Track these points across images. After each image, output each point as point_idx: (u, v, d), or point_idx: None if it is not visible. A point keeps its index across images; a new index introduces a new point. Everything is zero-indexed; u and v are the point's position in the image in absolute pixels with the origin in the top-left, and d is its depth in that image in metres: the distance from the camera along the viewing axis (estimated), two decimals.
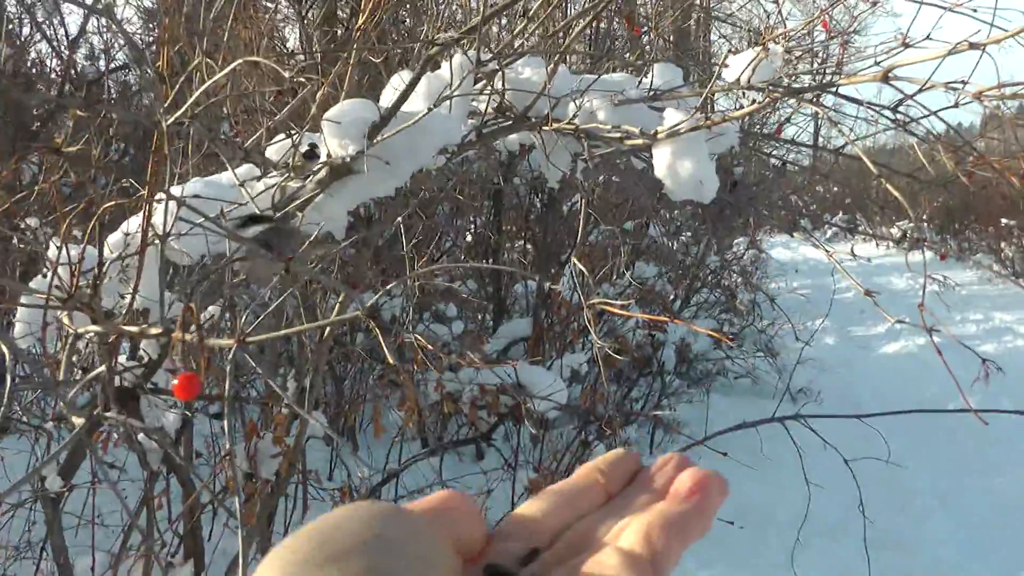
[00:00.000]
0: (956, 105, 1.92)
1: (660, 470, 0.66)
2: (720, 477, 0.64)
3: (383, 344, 1.24)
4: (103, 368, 1.75)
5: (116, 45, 6.60)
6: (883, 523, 4.51)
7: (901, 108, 2.09)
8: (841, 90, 2.12)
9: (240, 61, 1.66)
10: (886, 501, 5.14)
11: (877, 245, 20.06)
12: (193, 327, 1.28)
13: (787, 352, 9.24)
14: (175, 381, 1.37)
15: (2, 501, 1.27)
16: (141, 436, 2.68)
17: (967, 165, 1.98)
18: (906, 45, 1.93)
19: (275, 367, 4.52)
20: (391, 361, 1.32)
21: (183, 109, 1.58)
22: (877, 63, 2.04)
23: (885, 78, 1.89)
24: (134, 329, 1.50)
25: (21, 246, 2.91)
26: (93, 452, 1.77)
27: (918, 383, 9.24)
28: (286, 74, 1.79)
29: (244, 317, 1.63)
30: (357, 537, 0.52)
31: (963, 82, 1.80)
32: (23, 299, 2.06)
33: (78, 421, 1.42)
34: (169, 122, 1.52)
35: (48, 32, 6.28)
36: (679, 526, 0.59)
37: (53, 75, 6.18)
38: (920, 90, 1.87)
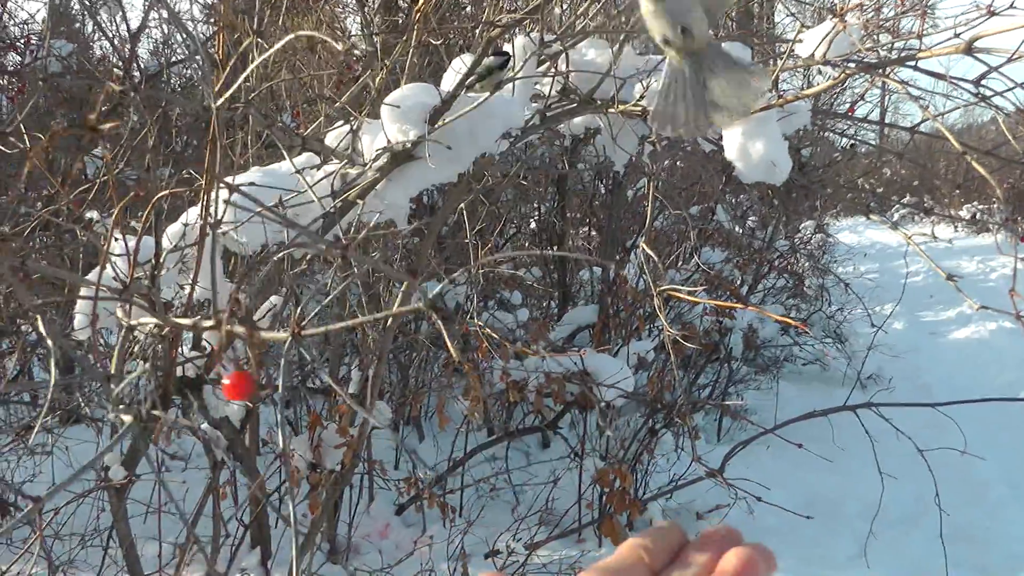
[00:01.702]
0: None
1: (706, 545, 0.61)
2: (767, 552, 0.59)
3: (445, 336, 1.18)
4: (147, 367, 1.72)
5: (177, 38, 6.62)
6: (956, 515, 4.40)
7: (983, 81, 2.00)
8: (920, 64, 2.03)
9: (293, 35, 1.61)
10: (958, 492, 5.01)
11: (956, 227, 19.74)
12: (243, 318, 1.23)
13: (856, 338, 9.10)
14: (226, 381, 1.33)
15: (52, 497, 1.24)
16: (205, 425, 2.66)
17: None
18: (992, 13, 1.84)
19: (339, 356, 4.51)
20: (454, 356, 1.27)
21: (234, 87, 1.54)
22: (957, 35, 1.95)
23: (968, 50, 1.81)
24: (187, 322, 1.46)
25: (84, 238, 2.90)
26: (145, 454, 1.75)
27: (989, 369, 9.06)
28: (339, 45, 1.74)
29: (302, 307, 1.59)
30: None
31: None
32: (83, 291, 2.04)
33: (126, 418, 1.39)
34: (219, 103, 1.48)
35: (109, 28, 6.32)
36: None
37: (115, 69, 6.21)
38: (1008, 61, 1.78)
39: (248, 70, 1.63)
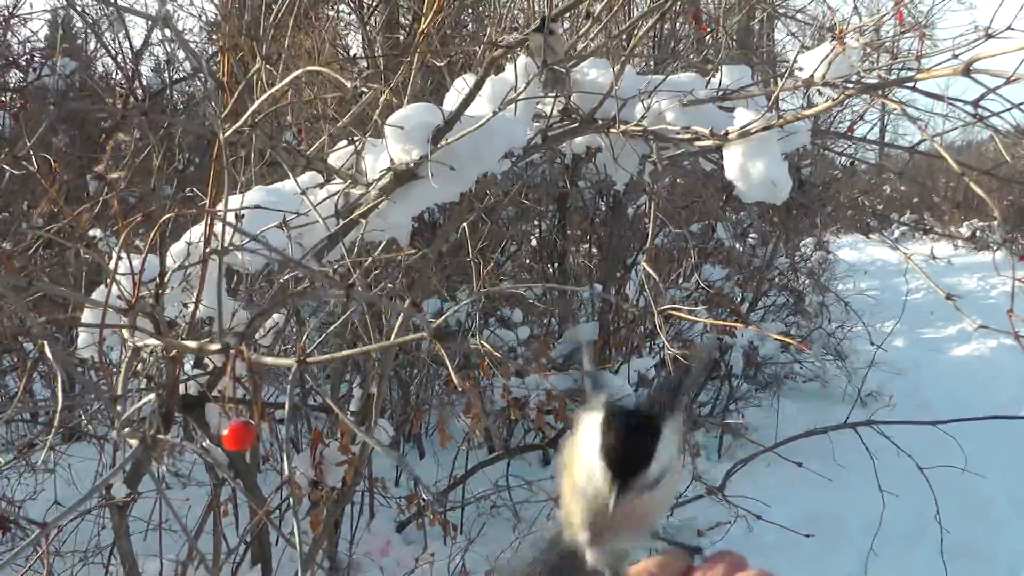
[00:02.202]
0: None
1: (710, 571, 0.62)
2: None
3: (447, 363, 1.20)
4: (151, 397, 1.73)
5: (179, 56, 6.66)
6: (958, 531, 4.40)
7: (981, 102, 2.02)
8: (919, 84, 2.05)
9: (301, 71, 1.63)
10: (960, 509, 5.01)
11: (955, 246, 19.74)
12: (246, 344, 1.25)
13: (856, 355, 9.10)
14: (225, 431, 1.33)
15: (59, 523, 1.25)
16: (207, 443, 2.67)
17: None
18: (989, 36, 1.85)
19: (340, 373, 4.51)
20: (456, 382, 1.28)
21: (243, 120, 1.55)
22: (955, 56, 1.96)
23: (966, 71, 1.82)
24: (192, 345, 1.47)
25: (86, 257, 2.91)
26: (150, 473, 1.75)
27: (990, 386, 9.05)
28: (348, 84, 1.76)
29: (308, 332, 1.60)
30: None
31: None
32: (87, 310, 2.05)
33: (133, 441, 1.40)
34: (227, 133, 1.49)
35: (112, 46, 6.34)
36: None
37: (118, 88, 6.24)
38: (1006, 82, 1.80)
39: (257, 103, 1.65)
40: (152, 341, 1.69)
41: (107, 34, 6.53)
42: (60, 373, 1.41)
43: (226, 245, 1.66)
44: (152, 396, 1.78)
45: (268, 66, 2.26)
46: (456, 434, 5.17)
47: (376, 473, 4.79)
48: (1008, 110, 1.99)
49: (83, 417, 4.02)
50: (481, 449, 5.73)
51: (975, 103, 2.00)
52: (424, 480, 5.07)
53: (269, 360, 1.25)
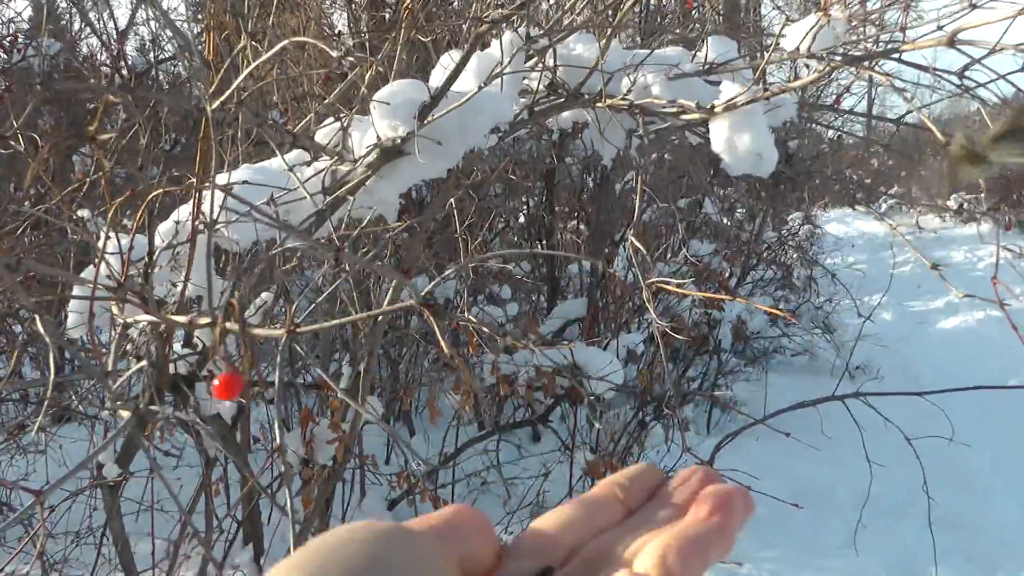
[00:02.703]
0: None
1: (682, 484, 0.61)
2: (745, 494, 0.58)
3: (437, 332, 1.20)
4: (144, 364, 1.74)
5: (164, 36, 6.62)
6: (946, 503, 4.42)
7: (966, 73, 2.02)
8: (904, 56, 2.05)
9: (287, 42, 1.62)
10: (948, 480, 5.05)
11: (942, 218, 19.80)
12: (237, 318, 1.25)
13: (844, 329, 9.13)
14: (216, 381, 1.34)
15: (55, 489, 1.26)
16: (198, 422, 2.67)
17: None
18: (973, 6, 1.86)
19: (330, 352, 4.52)
20: (446, 351, 1.28)
21: (228, 92, 1.55)
22: (940, 27, 1.97)
23: (951, 42, 1.83)
24: (183, 319, 1.48)
25: (75, 237, 2.91)
26: (143, 447, 1.76)
27: (978, 358, 9.10)
28: (334, 53, 1.76)
29: (296, 304, 1.60)
30: (356, 561, 0.49)
31: None
32: (76, 290, 2.05)
33: (124, 413, 1.40)
34: (214, 106, 1.49)
35: (97, 25, 6.31)
36: (698, 547, 0.54)
37: (103, 68, 6.21)
38: (989, 53, 1.80)
39: (244, 74, 1.64)
40: (142, 317, 1.69)
41: (92, 14, 6.49)
42: (52, 348, 1.41)
43: (215, 218, 1.66)
44: (143, 363, 1.78)
45: (254, 43, 2.25)
46: (446, 411, 5.19)
47: (366, 451, 4.80)
48: (993, 80, 1.99)
49: (73, 397, 4.03)
50: (471, 426, 5.74)
51: (960, 74, 2.00)
52: (417, 455, 5.07)
53: (259, 331, 1.25)
